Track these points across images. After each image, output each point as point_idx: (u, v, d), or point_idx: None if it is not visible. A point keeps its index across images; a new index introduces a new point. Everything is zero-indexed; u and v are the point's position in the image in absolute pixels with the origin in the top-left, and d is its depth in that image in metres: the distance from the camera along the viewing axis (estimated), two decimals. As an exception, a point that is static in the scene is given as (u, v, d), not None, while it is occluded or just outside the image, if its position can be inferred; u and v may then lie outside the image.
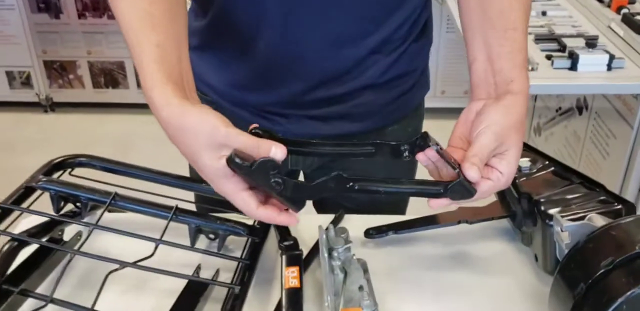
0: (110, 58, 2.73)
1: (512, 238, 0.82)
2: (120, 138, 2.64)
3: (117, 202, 0.77)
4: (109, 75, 2.78)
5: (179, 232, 0.76)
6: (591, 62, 1.35)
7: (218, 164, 0.58)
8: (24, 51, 2.74)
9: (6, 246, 0.72)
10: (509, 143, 0.64)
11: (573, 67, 1.36)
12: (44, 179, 0.79)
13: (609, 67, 1.35)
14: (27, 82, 2.80)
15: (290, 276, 0.70)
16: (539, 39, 1.52)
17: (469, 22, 0.72)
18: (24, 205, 0.76)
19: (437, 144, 0.63)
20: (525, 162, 0.79)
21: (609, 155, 1.46)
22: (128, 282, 0.75)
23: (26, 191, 0.77)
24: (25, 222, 0.81)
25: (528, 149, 0.82)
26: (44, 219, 0.77)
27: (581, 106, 1.63)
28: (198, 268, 0.76)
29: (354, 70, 0.82)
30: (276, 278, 0.76)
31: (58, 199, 0.78)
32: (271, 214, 0.62)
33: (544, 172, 0.79)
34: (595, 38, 1.50)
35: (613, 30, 1.56)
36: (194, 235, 0.78)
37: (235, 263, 0.74)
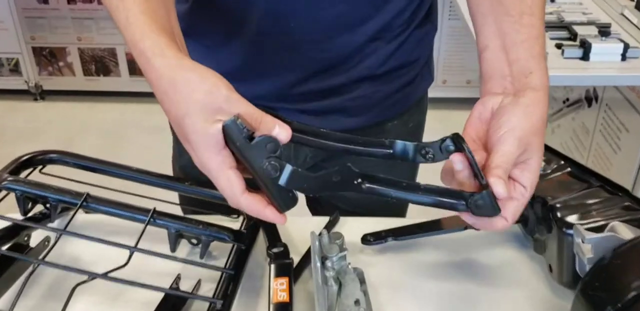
0: (101, 45, 2.69)
1: (523, 246, 0.76)
2: (112, 127, 2.60)
3: (89, 204, 0.72)
4: (100, 62, 2.74)
5: (161, 235, 0.70)
6: (604, 52, 1.28)
7: (211, 129, 0.50)
8: (12, 37, 2.69)
9: (-37, 255, 0.66)
10: (531, 150, 0.57)
11: (585, 56, 1.29)
12: (10, 178, 0.72)
13: (624, 57, 1.29)
14: (15, 69, 2.76)
15: (279, 289, 0.64)
16: (548, 26, 1.44)
17: (478, 6, 0.65)
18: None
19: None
20: (538, 162, 0.72)
21: (620, 150, 1.39)
22: (101, 292, 0.69)
23: (-11, 191, 0.70)
24: (-11, 226, 0.74)
25: (541, 147, 0.75)
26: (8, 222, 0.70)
27: (590, 97, 1.56)
28: (178, 278, 0.69)
29: (351, 60, 0.76)
30: (263, 289, 0.70)
31: (25, 200, 0.72)
32: (257, 204, 0.53)
33: (559, 173, 0.73)
34: (608, 26, 1.43)
35: (626, 18, 1.49)
36: (174, 240, 0.72)
37: (219, 272, 0.68)
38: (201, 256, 0.72)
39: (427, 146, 0.57)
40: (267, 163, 0.51)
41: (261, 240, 0.74)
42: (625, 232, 0.59)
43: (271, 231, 0.75)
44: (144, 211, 0.71)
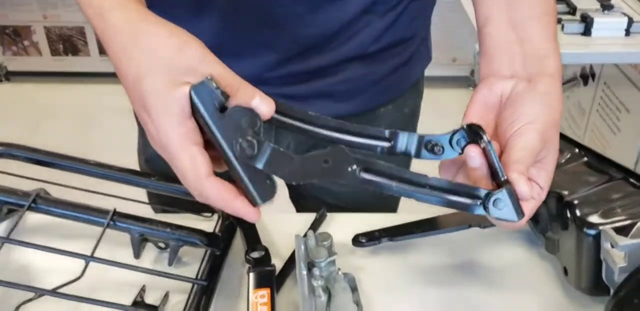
0: (69, 23, 2.58)
1: (532, 244, 0.69)
2: (82, 110, 2.51)
3: (38, 206, 0.63)
4: (68, 41, 2.63)
5: (125, 237, 0.63)
6: (607, 27, 1.21)
7: (175, 92, 0.41)
8: (-29, 15, 2.56)
9: None
10: (549, 146, 0.50)
11: (586, 32, 1.22)
12: (-56, 176, 0.62)
13: (627, 32, 1.22)
14: (-24, 49, 2.63)
15: (259, 302, 0.57)
16: (543, -1, 1.36)
17: None
18: None
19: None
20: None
21: (619, 131, 1.33)
22: (55, 307, 0.60)
23: None
24: None
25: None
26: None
27: (587, 75, 1.49)
28: (142, 290, 0.60)
29: (340, 36, 0.68)
30: (242, 300, 0.62)
31: (-37, 201, 0.63)
32: (226, 193, 0.43)
33: (574, 163, 0.66)
34: (610, -1, 1.35)
35: (629, -10, 1.40)
36: (138, 245, 0.64)
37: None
38: (170, 263, 0.64)
39: (435, 139, 0.48)
40: (242, 141, 0.42)
41: (239, 243, 0.67)
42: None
43: (250, 232, 0.67)
44: (103, 212, 0.63)
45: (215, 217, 0.70)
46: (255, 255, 0.62)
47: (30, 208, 0.62)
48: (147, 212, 0.79)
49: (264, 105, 0.43)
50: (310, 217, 0.71)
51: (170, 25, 0.44)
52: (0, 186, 0.64)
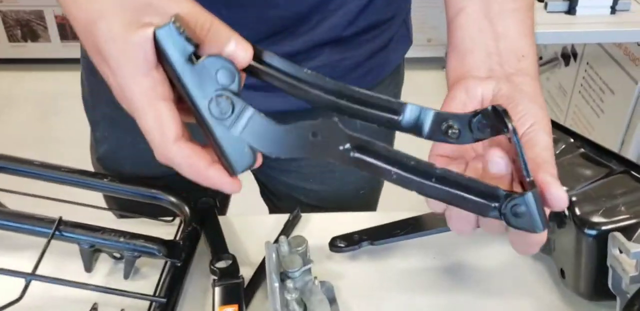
0: (26, 7, 2.47)
1: None
2: (43, 98, 2.42)
3: None
4: (27, 26, 2.52)
5: (76, 248, 0.56)
6: (592, 4, 1.17)
7: (135, 36, 0.35)
8: None
9: None
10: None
11: (571, 10, 1.18)
12: None
13: (613, 10, 1.18)
14: None
15: None
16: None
17: None
18: None
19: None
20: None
21: (603, 112, 1.28)
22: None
23: None
24: None
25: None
26: None
27: (568, 54, 1.44)
28: (94, 308, 0.54)
29: (310, 19, 0.61)
30: (208, 316, 0.55)
31: None
32: (197, 159, 0.37)
33: (569, 155, 0.60)
34: (592, -25, 1.30)
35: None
36: (89, 258, 0.57)
37: (148, 298, 0.54)
38: (125, 277, 0.57)
39: (453, 118, 0.41)
40: (217, 99, 0.36)
41: (203, 250, 0.60)
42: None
43: (216, 238, 0.60)
44: (48, 222, 0.55)
45: (178, 220, 0.63)
46: (221, 264, 0.56)
47: (-38, 219, 0.55)
48: (107, 217, 0.73)
49: (240, 52, 0.36)
50: (283, 218, 0.65)
51: None
52: None
